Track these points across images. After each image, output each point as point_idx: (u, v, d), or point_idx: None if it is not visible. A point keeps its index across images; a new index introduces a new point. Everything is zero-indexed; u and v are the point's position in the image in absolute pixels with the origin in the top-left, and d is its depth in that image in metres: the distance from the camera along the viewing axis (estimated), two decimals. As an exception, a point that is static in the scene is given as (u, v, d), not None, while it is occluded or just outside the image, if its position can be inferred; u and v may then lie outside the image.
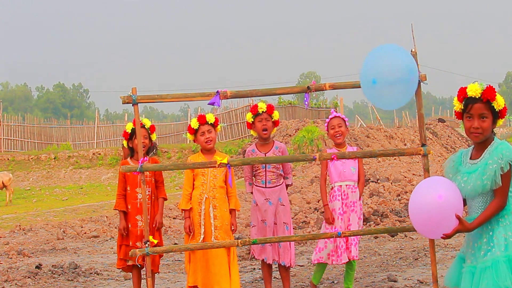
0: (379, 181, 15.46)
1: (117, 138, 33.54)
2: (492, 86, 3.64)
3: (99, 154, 28.06)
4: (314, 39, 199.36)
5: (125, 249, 5.97)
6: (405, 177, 16.43)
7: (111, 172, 26.41)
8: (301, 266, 7.85)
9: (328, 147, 6.28)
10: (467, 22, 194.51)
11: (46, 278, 7.48)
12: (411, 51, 4.23)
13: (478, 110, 3.62)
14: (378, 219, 10.76)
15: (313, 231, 10.38)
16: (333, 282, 6.88)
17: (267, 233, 5.96)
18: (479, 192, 3.64)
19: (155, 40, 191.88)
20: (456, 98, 3.73)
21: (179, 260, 8.56)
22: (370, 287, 6.62)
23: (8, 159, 27.74)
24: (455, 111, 3.77)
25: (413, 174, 17.47)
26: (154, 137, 6.12)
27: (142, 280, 6.10)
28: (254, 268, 7.78)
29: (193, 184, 5.86)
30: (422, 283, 6.57)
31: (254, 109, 6.02)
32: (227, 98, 4.53)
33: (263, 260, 6.02)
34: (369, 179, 15.63)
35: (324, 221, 6.14)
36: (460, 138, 32.13)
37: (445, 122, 37.00)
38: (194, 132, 5.88)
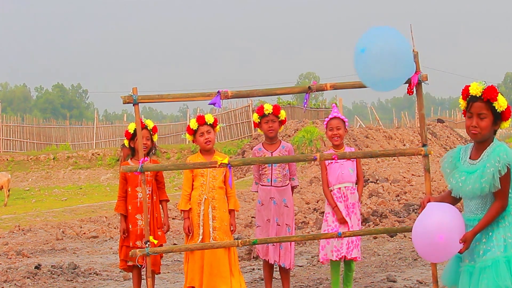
0: (378, 182, 15.46)
1: (116, 139, 33.52)
2: (493, 86, 3.62)
3: (98, 154, 28.05)
4: (313, 39, 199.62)
5: (125, 250, 5.98)
6: (404, 177, 16.44)
7: (110, 173, 26.41)
8: (301, 266, 7.85)
9: (327, 148, 6.25)
10: (466, 22, 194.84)
11: (45, 279, 7.47)
12: (412, 51, 4.22)
13: (477, 109, 3.62)
14: (377, 219, 10.76)
15: (312, 231, 10.38)
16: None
17: (270, 232, 5.98)
18: (478, 195, 3.65)
19: (155, 40, 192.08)
20: (461, 97, 3.74)
21: (179, 261, 8.56)
22: (370, 287, 6.62)
23: (7, 159, 27.73)
24: (463, 110, 3.78)
25: (412, 175, 17.47)
26: (155, 138, 6.15)
27: (142, 280, 6.10)
28: (254, 269, 7.78)
29: (192, 185, 5.87)
30: (422, 283, 6.57)
31: (260, 110, 6.04)
32: (228, 98, 4.53)
33: (265, 260, 6.03)
34: (368, 179, 15.64)
35: (323, 221, 6.14)
36: (459, 139, 32.15)
37: (444, 122, 37.04)
38: (193, 132, 5.88)
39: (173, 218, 12.90)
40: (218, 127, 5.96)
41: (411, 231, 3.88)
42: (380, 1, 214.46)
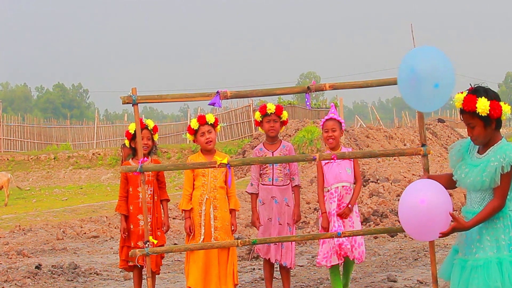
0: (378, 181, 15.45)
1: (117, 138, 33.53)
2: (469, 95, 3.60)
3: (99, 154, 28.06)
4: (313, 39, 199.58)
5: (126, 250, 5.99)
6: (405, 177, 16.43)
7: (110, 172, 26.42)
8: (301, 266, 7.85)
9: (327, 148, 6.23)
10: (466, 22, 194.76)
11: (45, 278, 7.48)
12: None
13: (466, 121, 3.70)
14: (377, 219, 10.76)
15: (312, 231, 10.38)
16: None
17: (271, 231, 5.98)
18: (478, 188, 3.69)
19: (155, 40, 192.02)
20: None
21: (179, 260, 8.56)
22: (370, 287, 6.63)
23: (7, 159, 27.74)
24: None
25: (413, 174, 17.46)
26: (156, 137, 6.16)
27: (142, 280, 6.11)
28: (254, 268, 7.79)
29: (193, 184, 5.87)
30: (422, 283, 6.58)
31: (263, 110, 6.07)
32: (227, 98, 4.53)
33: (266, 259, 6.04)
34: (369, 179, 15.64)
35: (320, 225, 6.13)
36: (460, 138, 32.12)
37: (444, 122, 37.03)
38: (194, 132, 5.88)
39: (173, 218, 12.90)
40: (218, 126, 5.96)
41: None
42: (380, 1, 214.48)
